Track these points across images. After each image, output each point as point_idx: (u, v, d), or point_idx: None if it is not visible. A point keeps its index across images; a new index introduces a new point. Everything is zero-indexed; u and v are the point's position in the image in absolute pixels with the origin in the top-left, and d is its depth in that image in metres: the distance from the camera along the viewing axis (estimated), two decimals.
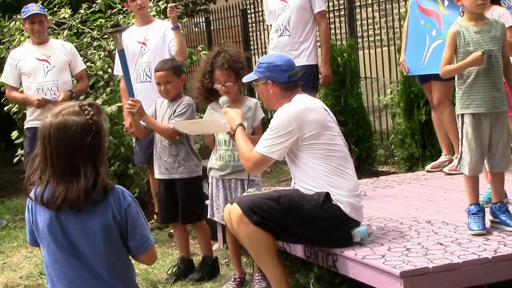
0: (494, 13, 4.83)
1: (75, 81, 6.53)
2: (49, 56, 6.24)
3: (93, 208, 2.66)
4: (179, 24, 5.81)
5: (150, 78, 5.94)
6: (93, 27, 7.81)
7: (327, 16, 6.99)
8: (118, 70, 6.02)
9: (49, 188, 2.66)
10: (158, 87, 4.89)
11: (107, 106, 6.93)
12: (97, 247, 2.68)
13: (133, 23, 6.60)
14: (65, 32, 7.60)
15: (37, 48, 6.26)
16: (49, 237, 2.70)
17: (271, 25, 6.27)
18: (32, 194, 2.71)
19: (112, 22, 6.57)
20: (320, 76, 6.19)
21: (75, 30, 7.81)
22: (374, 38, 9.16)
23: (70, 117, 2.66)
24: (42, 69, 6.20)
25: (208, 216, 4.87)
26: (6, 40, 7.64)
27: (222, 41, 10.41)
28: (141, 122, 4.90)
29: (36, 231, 2.75)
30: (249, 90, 9.23)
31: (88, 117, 2.67)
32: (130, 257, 2.80)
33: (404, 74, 6.29)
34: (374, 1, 9.00)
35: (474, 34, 4.10)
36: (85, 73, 6.63)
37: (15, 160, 7.58)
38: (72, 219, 2.67)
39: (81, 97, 6.88)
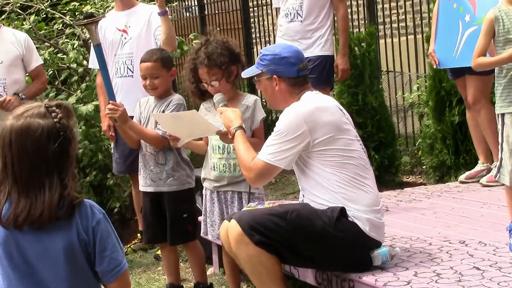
0: None
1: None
2: None
3: (55, 225, 2.68)
4: (167, 8, 5.83)
5: (132, 72, 5.96)
6: (65, 11, 7.84)
7: None
8: (94, 63, 6.03)
9: (8, 203, 2.68)
10: (143, 82, 4.90)
11: (81, 104, 6.96)
12: (59, 270, 2.70)
13: (112, 7, 6.64)
14: (32, 17, 7.63)
15: None
16: (3, 257, 2.71)
17: (278, 9, 6.28)
18: None
19: (85, 11, 6.59)
20: (335, 70, 6.17)
21: (44, 15, 7.84)
22: (398, 24, 9.17)
23: (35, 119, 2.68)
24: None
25: (201, 235, 4.89)
26: None
27: (218, 28, 10.44)
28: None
29: None
30: (250, 86, 9.27)
31: (55, 120, 2.68)
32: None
33: (434, 67, 6.30)
34: None
35: None
36: (43, 69, 6.51)
37: None
38: (30, 237, 2.69)
39: (51, 95, 6.90)
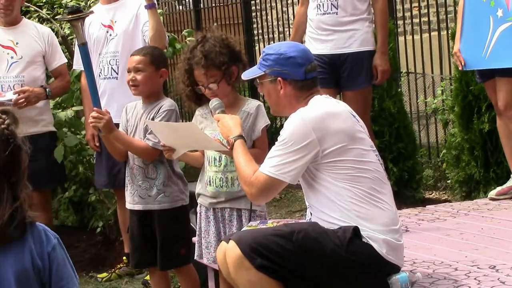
0: None
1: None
2: (17, 43, 6.22)
3: (5, 247, 2.69)
4: (155, 0, 5.85)
5: (117, 74, 5.99)
6: (41, 4, 7.87)
7: None
8: (78, 64, 6.05)
9: None
10: (127, 76, 4.92)
11: (60, 110, 6.97)
12: None
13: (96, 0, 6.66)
14: None
15: (4, 31, 6.25)
16: None
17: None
18: None
19: (65, 3, 6.58)
20: (374, 71, 6.09)
21: None
22: (420, 20, 9.21)
23: None
24: (6, 60, 6.18)
25: (196, 258, 4.90)
26: None
27: (214, 24, 10.47)
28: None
29: None
30: (251, 89, 9.30)
31: (3, 126, 2.71)
32: None
33: (460, 68, 6.32)
34: None
35: None
36: (66, 68, 6.58)
37: None
38: None
39: None
